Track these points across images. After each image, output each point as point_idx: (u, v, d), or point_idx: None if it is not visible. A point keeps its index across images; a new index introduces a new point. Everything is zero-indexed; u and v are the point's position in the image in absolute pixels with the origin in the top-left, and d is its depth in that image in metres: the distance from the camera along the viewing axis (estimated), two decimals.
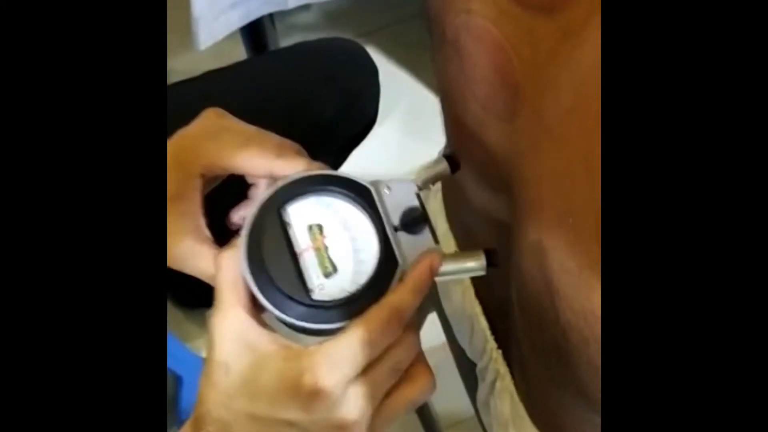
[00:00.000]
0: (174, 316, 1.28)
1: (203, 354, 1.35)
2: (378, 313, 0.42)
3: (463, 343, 0.71)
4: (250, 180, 0.54)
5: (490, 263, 0.46)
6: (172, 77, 1.00)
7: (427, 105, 1.63)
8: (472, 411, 0.75)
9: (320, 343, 0.42)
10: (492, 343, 0.63)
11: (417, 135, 1.50)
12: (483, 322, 0.65)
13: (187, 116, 0.89)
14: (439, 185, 0.68)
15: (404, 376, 0.44)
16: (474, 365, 0.68)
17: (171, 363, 1.12)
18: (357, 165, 1.04)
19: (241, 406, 0.42)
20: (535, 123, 0.40)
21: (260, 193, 0.52)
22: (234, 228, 0.53)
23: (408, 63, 1.67)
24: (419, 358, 0.45)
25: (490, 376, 0.64)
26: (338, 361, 0.41)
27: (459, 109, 0.48)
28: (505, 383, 0.62)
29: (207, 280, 0.48)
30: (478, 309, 0.65)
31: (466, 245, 0.63)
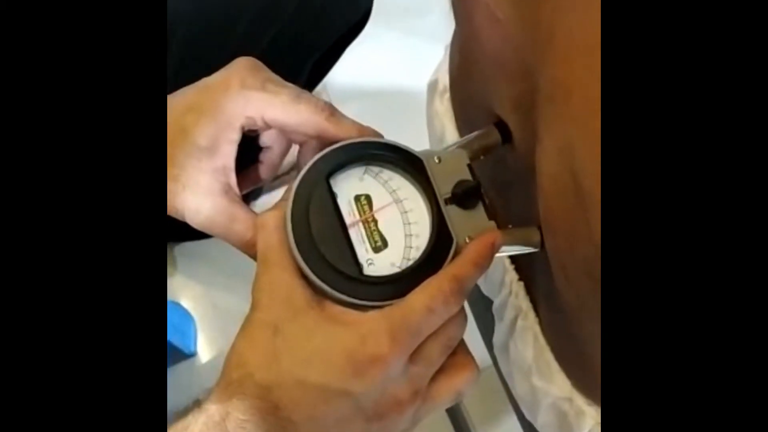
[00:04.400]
0: None
1: (172, 297, 1.33)
2: (441, 282, 0.45)
3: None
4: (263, 143, 0.57)
5: (542, 241, 0.49)
6: None
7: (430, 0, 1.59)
8: (487, 360, 0.76)
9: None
10: (512, 274, 0.63)
11: (419, 35, 1.47)
12: (509, 267, 0.64)
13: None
14: (446, 83, 0.67)
15: (449, 364, 0.47)
16: (490, 303, 0.68)
17: None
18: (353, 69, 1.02)
19: (289, 371, 0.44)
20: None
21: (269, 153, 0.56)
22: (243, 192, 0.55)
23: None
24: (462, 346, 0.49)
25: (509, 314, 0.64)
26: (401, 329, 0.44)
27: None
28: (528, 322, 0.61)
29: (239, 246, 0.50)
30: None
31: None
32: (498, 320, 0.66)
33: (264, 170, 0.58)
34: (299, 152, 0.56)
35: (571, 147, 0.39)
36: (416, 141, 0.85)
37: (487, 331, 0.73)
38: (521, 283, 0.62)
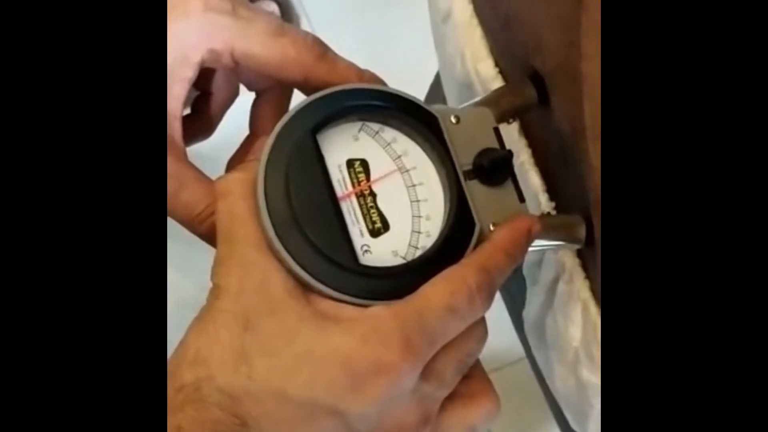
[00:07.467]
0: None
1: None
2: (465, 274, 0.44)
3: None
4: (200, 89, 0.56)
5: (589, 237, 0.51)
6: None
7: None
8: (518, 351, 0.76)
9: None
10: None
11: None
12: (535, 179, 0.60)
13: None
14: None
15: (462, 391, 0.46)
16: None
17: None
18: None
19: (264, 378, 0.42)
20: None
21: (211, 102, 0.55)
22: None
23: None
24: (479, 369, 0.48)
25: (547, 275, 0.61)
26: (415, 330, 0.42)
27: None
28: (575, 286, 0.58)
29: (185, 222, 0.49)
30: (525, 156, 0.61)
31: (502, 46, 0.61)
32: (530, 284, 0.64)
33: (202, 125, 0.56)
34: (254, 104, 0.54)
35: None
36: (415, 22, 0.76)
37: (515, 302, 0.72)
38: None
